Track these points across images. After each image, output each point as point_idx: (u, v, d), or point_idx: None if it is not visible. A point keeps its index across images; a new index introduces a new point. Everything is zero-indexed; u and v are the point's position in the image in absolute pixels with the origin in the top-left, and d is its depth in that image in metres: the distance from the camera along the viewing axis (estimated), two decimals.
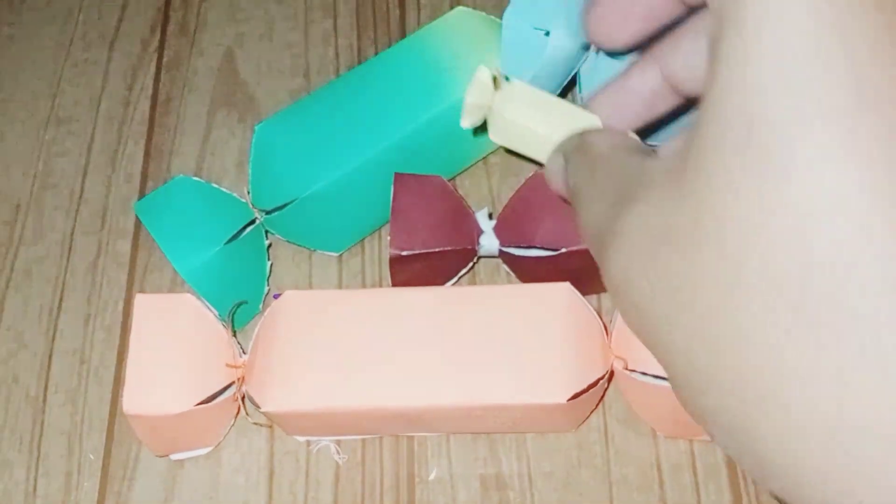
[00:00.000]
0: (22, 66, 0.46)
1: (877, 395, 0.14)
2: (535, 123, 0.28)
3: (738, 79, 0.16)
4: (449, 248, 0.35)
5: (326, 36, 0.45)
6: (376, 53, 0.44)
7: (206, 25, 0.46)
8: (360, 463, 0.35)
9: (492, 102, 0.29)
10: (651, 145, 0.27)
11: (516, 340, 0.32)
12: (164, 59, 0.45)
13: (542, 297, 0.33)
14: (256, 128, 0.36)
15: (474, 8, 0.42)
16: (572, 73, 0.37)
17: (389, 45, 0.43)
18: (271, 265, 0.39)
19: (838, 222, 0.14)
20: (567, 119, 0.27)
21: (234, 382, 0.33)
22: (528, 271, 0.36)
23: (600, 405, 0.35)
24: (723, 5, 0.16)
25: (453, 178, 0.41)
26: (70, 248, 0.41)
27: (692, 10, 0.24)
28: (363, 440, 0.36)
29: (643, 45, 0.26)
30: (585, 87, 0.38)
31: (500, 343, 0.32)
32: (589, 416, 0.35)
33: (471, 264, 0.37)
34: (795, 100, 0.15)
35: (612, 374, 0.32)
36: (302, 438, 0.35)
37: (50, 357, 0.38)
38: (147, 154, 0.43)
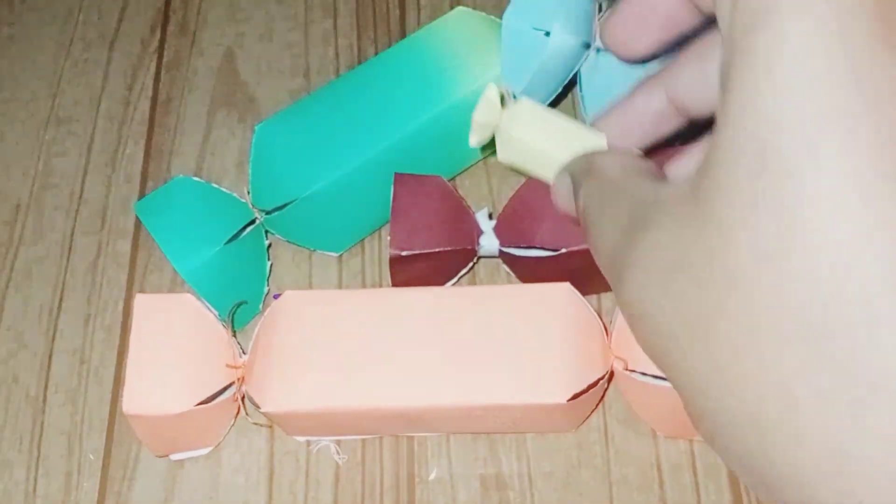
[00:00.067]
0: (22, 66, 0.46)
1: (891, 432, 0.14)
2: (542, 142, 0.28)
3: (750, 108, 0.16)
4: (449, 249, 0.35)
5: (326, 36, 0.45)
6: (376, 53, 0.44)
7: (206, 25, 0.46)
8: (360, 463, 0.35)
9: (499, 120, 0.29)
10: (676, 146, 0.27)
11: (516, 340, 0.32)
12: (164, 59, 0.45)
13: (542, 297, 0.33)
14: (256, 128, 0.36)
15: (474, 8, 0.42)
16: (572, 73, 0.37)
17: (389, 45, 0.43)
18: (271, 265, 0.39)
19: (850, 258, 0.15)
20: (574, 138, 0.28)
21: (233, 382, 0.33)
22: (528, 271, 0.36)
23: (600, 405, 0.35)
24: (733, 32, 0.17)
25: (453, 178, 0.41)
26: (70, 248, 0.41)
27: (710, 21, 0.24)
28: (363, 440, 0.36)
29: (660, 55, 0.26)
30: (586, 86, 0.38)
31: (500, 343, 0.32)
32: (589, 416, 0.35)
33: (471, 264, 0.37)
34: (809, 135, 0.15)
35: (612, 374, 0.32)
36: (302, 438, 0.35)
37: (50, 357, 0.38)
38: (147, 154, 0.43)
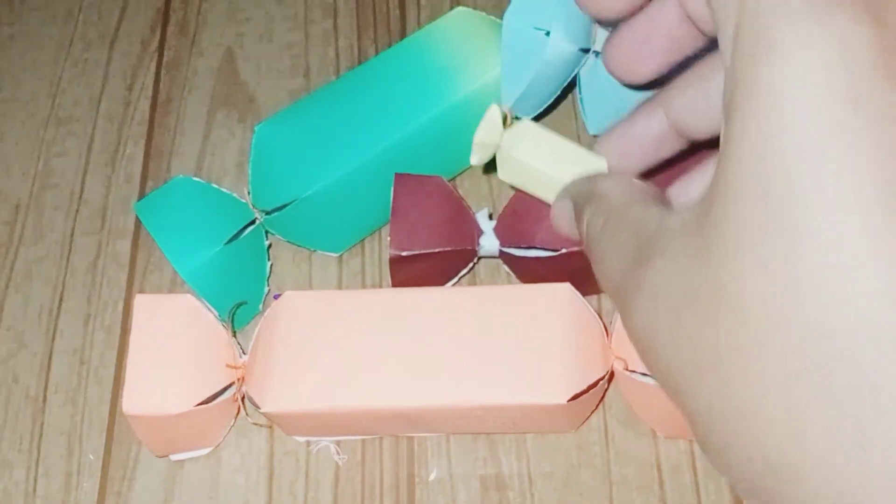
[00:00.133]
0: (22, 66, 0.46)
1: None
2: (542, 163, 0.29)
3: (755, 142, 0.16)
4: (449, 249, 0.35)
5: (326, 36, 0.45)
6: (376, 53, 0.44)
7: (206, 25, 0.46)
8: (360, 463, 0.35)
9: (500, 141, 0.29)
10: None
11: (516, 341, 0.32)
12: (164, 59, 0.45)
13: (542, 298, 0.33)
14: (256, 128, 0.36)
15: (474, 8, 0.42)
16: (572, 75, 0.37)
17: (389, 45, 0.43)
18: (271, 265, 0.39)
19: (853, 298, 0.15)
20: (574, 160, 0.28)
21: (234, 383, 0.33)
22: (528, 271, 0.36)
23: (600, 405, 0.35)
24: (736, 62, 0.16)
25: (453, 178, 0.41)
26: (70, 249, 0.41)
27: (712, 43, 0.24)
28: (363, 440, 0.36)
29: (663, 80, 0.26)
30: (585, 89, 0.38)
31: (500, 343, 0.32)
32: (589, 416, 0.35)
33: (471, 265, 0.37)
34: (814, 169, 0.15)
35: (612, 374, 0.32)
36: (302, 439, 0.35)
37: (50, 357, 0.38)
38: (147, 154, 0.43)
